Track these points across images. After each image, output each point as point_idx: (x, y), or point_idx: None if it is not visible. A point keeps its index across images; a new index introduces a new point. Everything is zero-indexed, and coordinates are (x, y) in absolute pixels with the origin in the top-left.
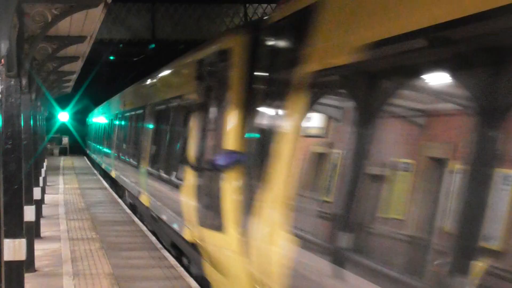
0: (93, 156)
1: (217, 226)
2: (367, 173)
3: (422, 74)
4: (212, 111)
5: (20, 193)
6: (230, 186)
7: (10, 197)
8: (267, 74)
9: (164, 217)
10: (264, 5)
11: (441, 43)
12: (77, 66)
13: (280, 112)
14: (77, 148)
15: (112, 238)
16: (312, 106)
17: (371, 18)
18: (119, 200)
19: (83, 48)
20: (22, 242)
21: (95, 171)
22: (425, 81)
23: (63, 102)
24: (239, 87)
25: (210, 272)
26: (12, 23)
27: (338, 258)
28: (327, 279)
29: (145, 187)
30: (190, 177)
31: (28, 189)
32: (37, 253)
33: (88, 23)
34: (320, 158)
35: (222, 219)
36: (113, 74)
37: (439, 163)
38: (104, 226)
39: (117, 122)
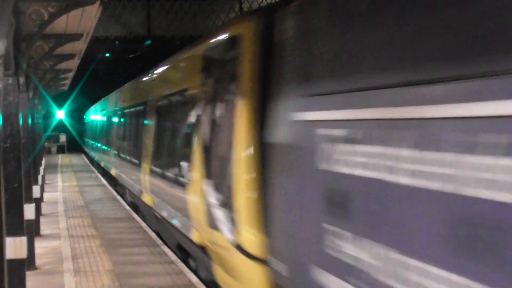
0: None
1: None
2: None
3: None
4: None
5: (20, 191)
6: None
7: (10, 195)
8: None
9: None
10: (260, 0)
11: None
12: (74, 64)
13: None
14: (74, 146)
15: (112, 235)
16: None
17: None
18: (118, 197)
19: (80, 46)
20: (23, 240)
21: (93, 168)
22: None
23: (60, 100)
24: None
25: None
26: (9, 22)
27: None
28: None
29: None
30: None
31: (27, 188)
32: (37, 251)
33: (84, 20)
34: None
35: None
36: (110, 71)
37: None
38: (104, 223)
39: (102, 122)
